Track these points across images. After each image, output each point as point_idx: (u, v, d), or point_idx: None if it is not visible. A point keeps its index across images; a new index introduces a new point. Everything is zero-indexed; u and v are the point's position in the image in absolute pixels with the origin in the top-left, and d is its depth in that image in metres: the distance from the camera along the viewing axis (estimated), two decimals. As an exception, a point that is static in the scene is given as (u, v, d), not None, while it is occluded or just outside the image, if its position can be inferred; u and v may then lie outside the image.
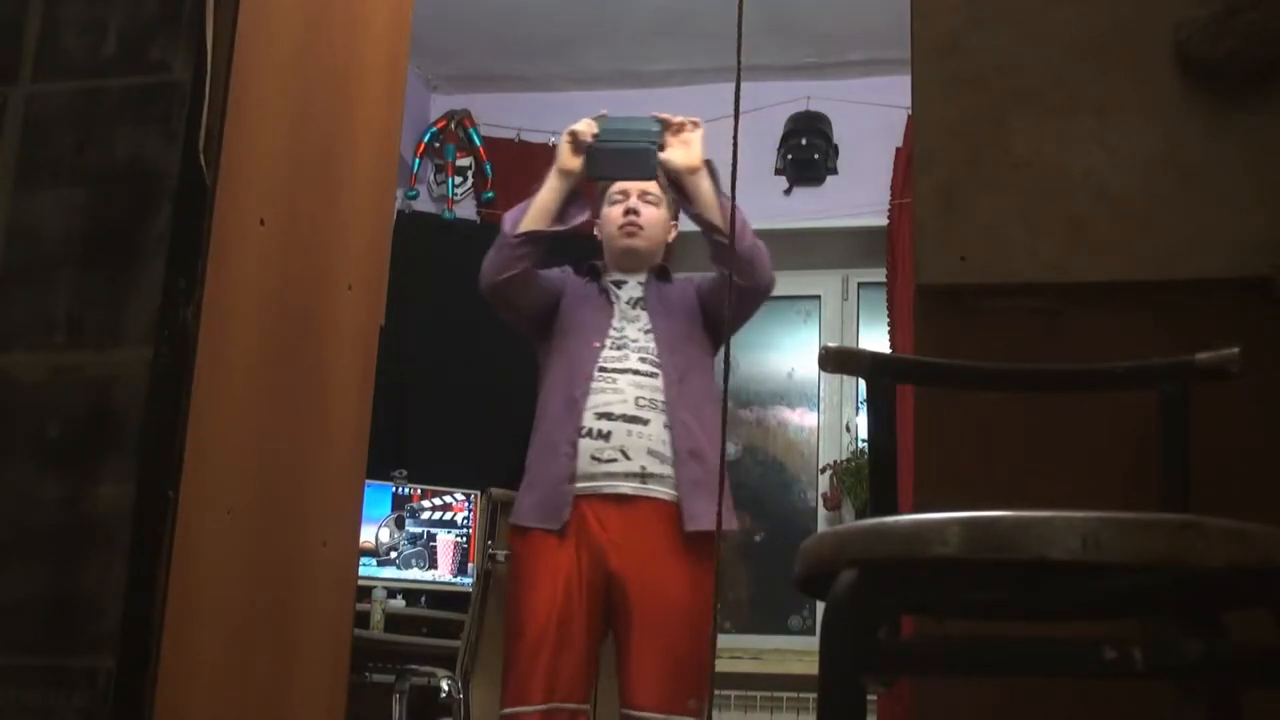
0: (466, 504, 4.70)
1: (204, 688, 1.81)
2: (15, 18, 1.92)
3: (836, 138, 5.20)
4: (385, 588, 4.37)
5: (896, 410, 1.62)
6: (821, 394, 5.32)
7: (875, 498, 1.60)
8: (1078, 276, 1.90)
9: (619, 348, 2.92)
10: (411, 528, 4.63)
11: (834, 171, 5.20)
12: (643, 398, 2.86)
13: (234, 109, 1.87)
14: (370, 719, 3.94)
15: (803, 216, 5.11)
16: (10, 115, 1.89)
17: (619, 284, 3.05)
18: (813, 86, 5.17)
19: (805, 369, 5.40)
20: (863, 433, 4.91)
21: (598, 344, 2.92)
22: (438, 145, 5.52)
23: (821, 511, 5.14)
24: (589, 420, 2.84)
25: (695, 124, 2.91)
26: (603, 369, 2.89)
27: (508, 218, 2.99)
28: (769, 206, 5.00)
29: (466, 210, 5.42)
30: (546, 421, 2.92)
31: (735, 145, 2.05)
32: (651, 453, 2.83)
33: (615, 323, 2.96)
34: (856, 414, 5.19)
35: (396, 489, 4.64)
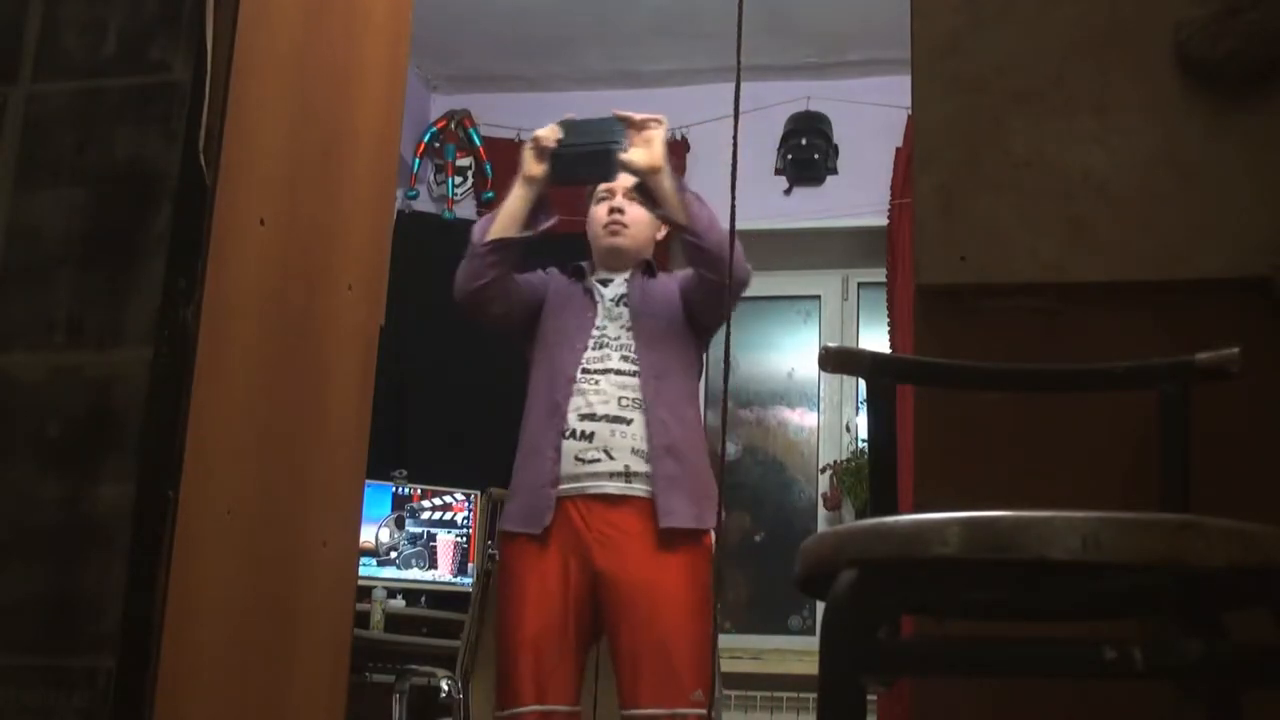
0: (466, 504, 4.70)
1: (204, 688, 1.81)
2: (15, 18, 1.92)
3: (836, 138, 5.20)
4: (385, 588, 4.37)
5: (896, 410, 1.61)
6: (821, 394, 5.32)
7: (875, 498, 1.59)
8: (1078, 276, 1.90)
9: (600, 347, 2.92)
10: (411, 528, 4.63)
11: (834, 171, 5.20)
12: (625, 397, 2.87)
13: (234, 109, 1.87)
14: (370, 719, 3.94)
15: (803, 216, 5.11)
16: (10, 115, 1.89)
17: (606, 282, 3.05)
18: (813, 86, 5.17)
19: (805, 369, 5.40)
20: (863, 433, 4.91)
21: (580, 346, 2.93)
22: (438, 145, 5.52)
23: (821, 511, 5.14)
24: (572, 422, 2.85)
25: (658, 121, 2.90)
26: (585, 370, 2.89)
27: (476, 227, 2.99)
28: (769, 206, 5.01)
29: (466, 210, 5.42)
30: (530, 426, 2.93)
31: (735, 145, 2.05)
32: (635, 451, 2.83)
33: (599, 322, 2.97)
34: (856, 414, 5.19)
35: (396, 489, 4.64)
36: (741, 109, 2.02)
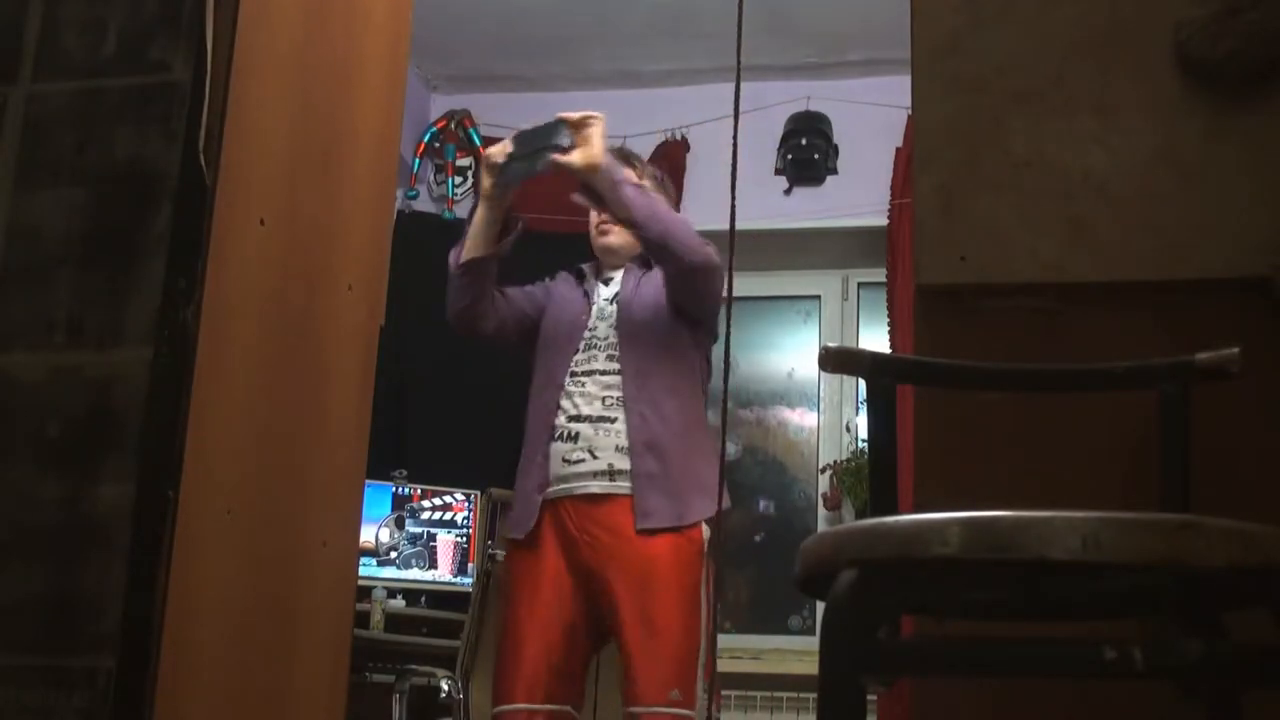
0: (466, 504, 4.70)
1: (204, 688, 1.81)
2: (15, 18, 1.92)
3: (836, 138, 5.20)
4: (385, 588, 4.37)
5: (896, 410, 1.61)
6: (821, 394, 5.32)
7: (875, 498, 1.60)
8: (1078, 276, 1.90)
9: (589, 349, 2.94)
10: (411, 528, 4.63)
11: (834, 171, 5.20)
12: (609, 396, 2.87)
13: (234, 109, 1.87)
14: (370, 719, 3.94)
15: (803, 216, 5.11)
16: (10, 115, 1.89)
17: (608, 281, 3.07)
18: (813, 86, 5.17)
19: (805, 369, 5.40)
20: (863, 433, 4.91)
21: (570, 349, 2.95)
22: (438, 145, 5.52)
23: (821, 511, 5.14)
24: (560, 424, 2.88)
25: (595, 118, 2.84)
26: (573, 373, 2.91)
27: (451, 253, 3.01)
28: (769, 206, 5.01)
29: (466, 210, 5.42)
30: (526, 433, 2.96)
31: (735, 145, 2.06)
32: (619, 449, 2.83)
33: (590, 324, 2.98)
34: (856, 414, 5.18)
35: (396, 489, 4.64)
36: (741, 109, 2.02)
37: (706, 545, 2.81)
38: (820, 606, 1.55)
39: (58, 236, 1.83)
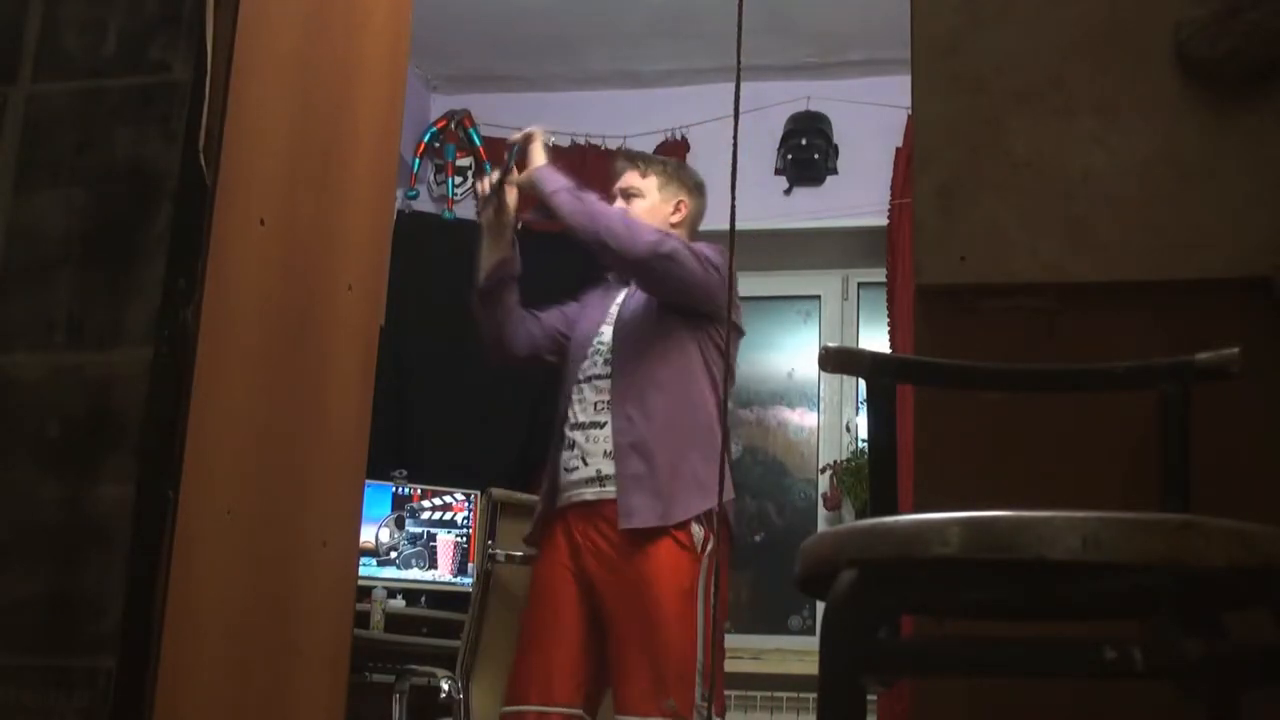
0: (466, 504, 4.70)
1: (204, 688, 1.81)
2: (15, 18, 1.92)
3: (836, 138, 5.19)
4: (385, 588, 4.37)
5: (896, 410, 1.61)
6: (821, 394, 5.32)
7: (875, 498, 1.59)
8: (1078, 276, 1.90)
9: (593, 356, 2.94)
10: (411, 528, 4.63)
11: (834, 171, 5.20)
12: (600, 400, 2.89)
13: (234, 109, 1.87)
14: (370, 719, 3.94)
15: (803, 216, 5.11)
16: (10, 115, 1.89)
17: (626, 286, 3.08)
18: (813, 86, 5.17)
19: (805, 369, 5.40)
20: (863, 433, 4.91)
21: (581, 358, 2.98)
22: (438, 145, 5.52)
23: (821, 511, 5.14)
24: (565, 433, 2.92)
25: (530, 134, 2.98)
26: (578, 381, 2.94)
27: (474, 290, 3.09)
28: (769, 206, 5.01)
29: (466, 210, 5.41)
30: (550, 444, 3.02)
31: (735, 145, 2.05)
32: (606, 454, 2.84)
33: (600, 330, 2.98)
34: (856, 414, 5.18)
35: (396, 489, 4.64)
36: (741, 109, 2.01)
37: (703, 543, 2.78)
38: (820, 606, 1.55)
39: (58, 236, 1.83)
